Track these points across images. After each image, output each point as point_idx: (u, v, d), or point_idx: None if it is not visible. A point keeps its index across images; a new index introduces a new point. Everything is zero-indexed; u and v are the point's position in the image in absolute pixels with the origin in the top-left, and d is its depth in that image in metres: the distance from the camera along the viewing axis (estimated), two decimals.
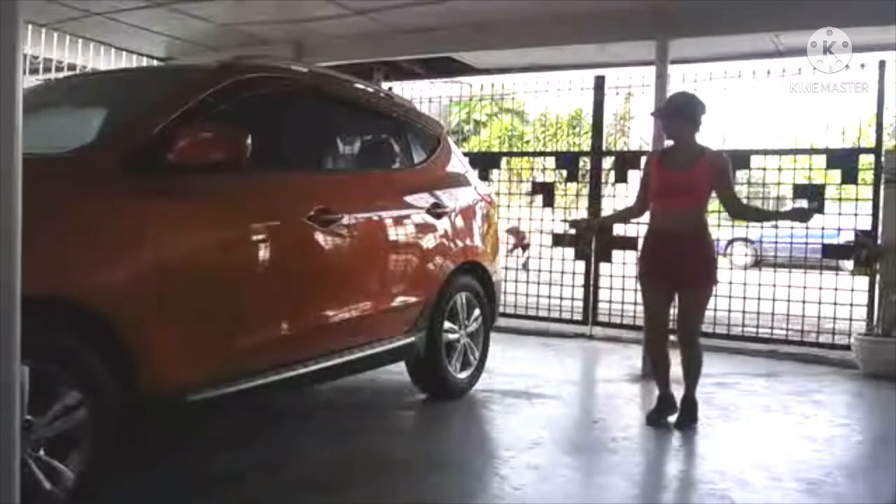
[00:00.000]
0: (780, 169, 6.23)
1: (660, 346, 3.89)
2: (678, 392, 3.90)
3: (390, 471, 3.11)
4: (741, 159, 6.12)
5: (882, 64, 5.61)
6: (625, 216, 4.36)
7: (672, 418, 3.85)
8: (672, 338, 3.90)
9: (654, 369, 4.00)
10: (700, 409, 3.88)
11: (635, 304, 6.35)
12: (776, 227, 6.61)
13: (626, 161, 6.72)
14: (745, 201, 4.86)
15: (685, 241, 3.68)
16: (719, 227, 6.80)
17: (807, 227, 5.91)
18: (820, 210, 5.62)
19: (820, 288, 5.85)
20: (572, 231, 6.38)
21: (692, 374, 3.84)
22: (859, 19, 4.87)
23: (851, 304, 5.74)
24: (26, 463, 2.09)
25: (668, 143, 4.02)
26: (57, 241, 2.26)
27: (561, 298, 6.95)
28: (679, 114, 3.77)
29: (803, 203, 5.26)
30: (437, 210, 4.10)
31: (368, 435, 3.61)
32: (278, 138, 3.39)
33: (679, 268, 3.67)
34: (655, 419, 3.84)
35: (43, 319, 2.15)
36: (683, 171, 3.71)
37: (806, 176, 6.26)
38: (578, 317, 6.80)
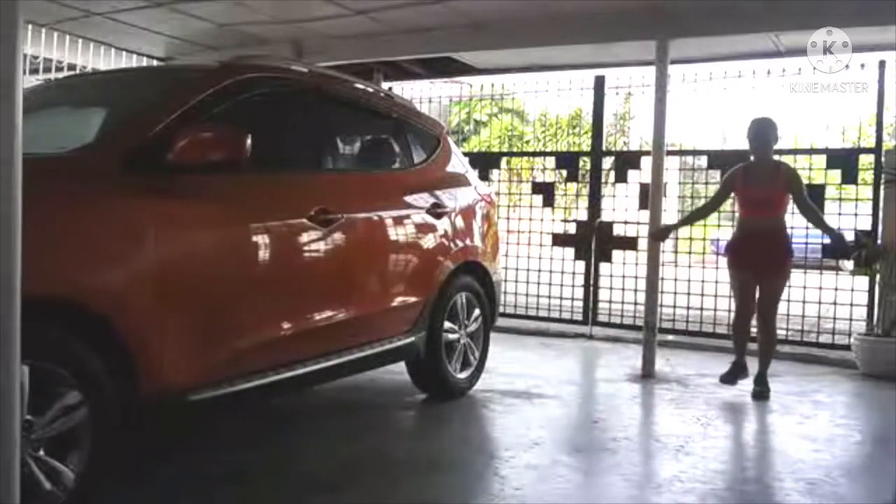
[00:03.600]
0: None
1: (744, 322, 4.68)
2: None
3: (390, 471, 3.11)
4: (741, 159, 6.11)
5: (882, 64, 5.61)
6: (700, 216, 5.16)
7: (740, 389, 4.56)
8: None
9: (736, 340, 4.77)
10: (700, 410, 3.88)
11: (635, 304, 6.36)
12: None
13: (626, 161, 6.72)
14: None
15: (767, 241, 4.47)
16: (719, 227, 6.82)
17: (807, 227, 5.93)
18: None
19: (820, 288, 5.86)
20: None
21: (767, 352, 4.64)
22: (859, 19, 4.87)
23: (851, 304, 5.75)
24: (26, 463, 2.09)
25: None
26: (57, 241, 2.26)
27: (561, 298, 6.95)
28: (766, 137, 4.54)
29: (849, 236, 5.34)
30: (437, 210, 4.10)
31: (369, 435, 3.61)
32: (278, 138, 3.39)
33: (762, 260, 4.47)
34: (730, 379, 4.64)
35: (43, 319, 2.15)
36: (766, 187, 4.50)
37: (806, 176, 6.25)
38: (578, 317, 6.80)
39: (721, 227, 7.07)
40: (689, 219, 5.35)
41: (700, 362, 5.56)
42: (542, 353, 5.84)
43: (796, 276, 5.97)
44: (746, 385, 4.82)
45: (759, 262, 4.48)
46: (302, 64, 4.06)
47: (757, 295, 4.59)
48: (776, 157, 4.72)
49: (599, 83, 6.76)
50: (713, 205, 4.92)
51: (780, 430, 3.90)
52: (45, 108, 3.33)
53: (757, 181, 4.53)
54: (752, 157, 4.68)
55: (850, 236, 5.83)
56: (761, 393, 4.52)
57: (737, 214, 4.79)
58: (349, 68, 5.65)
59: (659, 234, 5.22)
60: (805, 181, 6.19)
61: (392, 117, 4.22)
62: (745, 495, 2.91)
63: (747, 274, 4.56)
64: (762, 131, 4.56)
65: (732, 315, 4.91)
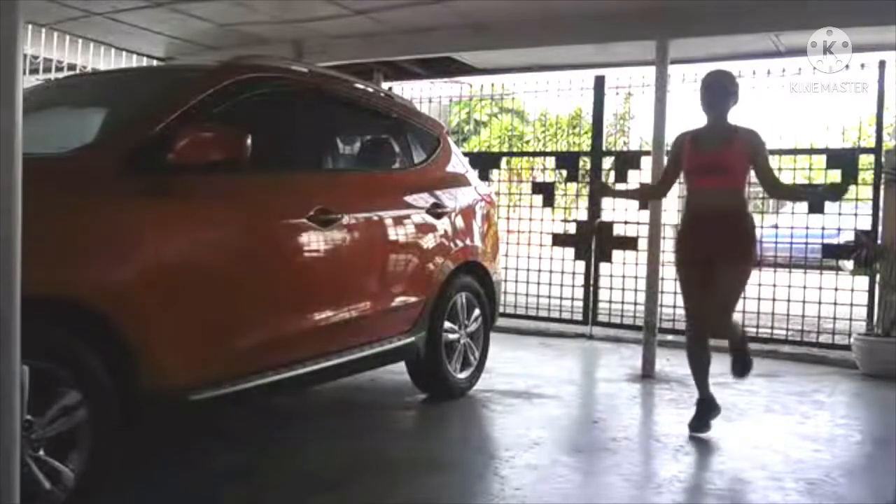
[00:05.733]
0: (780, 169, 6.21)
1: (701, 340, 3.67)
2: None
3: (390, 470, 3.11)
4: None
5: (882, 64, 5.62)
6: (644, 194, 4.48)
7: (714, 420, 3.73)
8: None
9: (694, 366, 3.72)
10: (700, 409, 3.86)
11: (635, 304, 6.36)
12: (776, 227, 6.61)
13: (626, 161, 6.72)
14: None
15: (724, 220, 3.54)
16: None
17: (807, 227, 5.92)
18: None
19: (820, 288, 5.85)
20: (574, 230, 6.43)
21: (738, 340, 3.76)
22: (859, 19, 4.87)
23: (851, 304, 5.74)
24: (26, 463, 2.09)
25: (695, 125, 3.81)
26: (57, 241, 2.26)
27: (561, 298, 6.95)
28: (726, 90, 3.67)
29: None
30: (437, 210, 4.10)
31: (369, 434, 3.62)
32: (278, 138, 3.39)
33: (715, 245, 3.50)
34: (700, 425, 3.65)
35: (43, 320, 2.15)
36: (719, 151, 3.58)
37: (806, 176, 6.26)
38: (578, 317, 6.80)
39: None
40: (637, 194, 4.74)
41: None
42: (541, 353, 5.84)
43: (796, 276, 6.00)
44: (746, 385, 4.81)
45: (713, 248, 3.52)
46: (302, 64, 4.06)
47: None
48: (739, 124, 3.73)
49: (599, 83, 6.76)
50: (664, 180, 3.99)
51: (780, 430, 3.90)
52: (45, 108, 3.33)
53: (709, 144, 3.63)
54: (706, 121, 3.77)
55: (849, 236, 5.86)
56: (743, 368, 3.79)
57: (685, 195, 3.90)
58: (349, 68, 5.66)
59: (599, 188, 5.01)
60: (805, 181, 6.24)
61: (392, 117, 4.22)
62: (745, 495, 2.91)
63: (699, 271, 3.59)
64: (715, 86, 3.67)
65: (685, 336, 3.81)
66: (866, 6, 4.79)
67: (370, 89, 4.34)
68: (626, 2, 5.16)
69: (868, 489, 3.13)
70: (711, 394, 3.75)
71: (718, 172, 3.56)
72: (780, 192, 4.03)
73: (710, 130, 3.67)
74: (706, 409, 3.73)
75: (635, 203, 6.13)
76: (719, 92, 3.64)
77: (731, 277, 3.53)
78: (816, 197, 4.28)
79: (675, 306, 6.30)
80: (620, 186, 6.69)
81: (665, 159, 5.20)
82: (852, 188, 5.88)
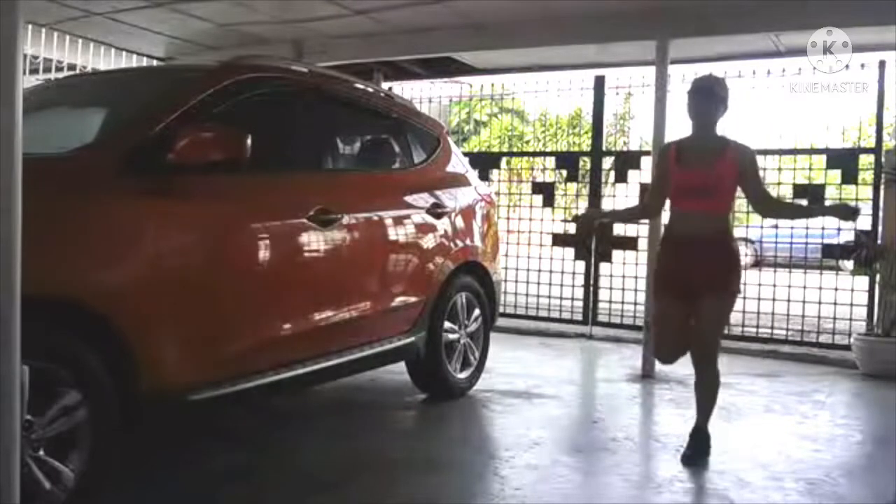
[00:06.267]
0: (780, 169, 6.23)
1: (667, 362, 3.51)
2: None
3: (390, 471, 3.11)
4: None
5: (882, 64, 5.61)
6: (635, 214, 4.00)
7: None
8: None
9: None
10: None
11: (635, 304, 6.36)
12: (776, 227, 6.61)
13: (626, 161, 6.72)
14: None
15: (707, 247, 3.21)
16: None
17: (807, 227, 5.91)
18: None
19: (820, 288, 5.85)
20: (574, 231, 6.29)
21: (707, 401, 3.37)
22: (859, 19, 4.87)
23: (851, 304, 5.74)
24: (26, 463, 2.09)
25: (682, 134, 3.49)
26: (57, 241, 2.26)
27: (561, 298, 6.95)
28: (715, 97, 3.26)
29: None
30: (437, 210, 4.10)
31: (369, 435, 3.62)
32: (278, 138, 3.39)
33: (697, 275, 3.20)
34: (696, 456, 3.29)
35: (43, 320, 2.15)
36: (707, 169, 3.20)
37: (806, 176, 6.26)
38: (578, 317, 6.80)
39: None
40: (628, 214, 4.04)
41: None
42: (542, 353, 5.84)
43: (796, 276, 6.00)
44: (747, 385, 4.82)
45: (694, 277, 3.21)
46: (302, 64, 4.06)
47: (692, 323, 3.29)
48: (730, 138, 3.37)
49: (599, 83, 6.75)
50: (654, 195, 3.54)
51: (780, 430, 3.90)
52: (45, 108, 3.33)
53: (694, 161, 3.25)
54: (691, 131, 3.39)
55: (849, 236, 5.86)
56: (694, 456, 3.27)
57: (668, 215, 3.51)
58: (349, 68, 5.66)
59: (584, 226, 4.12)
60: (805, 181, 6.25)
61: (392, 117, 4.22)
62: (745, 495, 2.90)
63: (677, 303, 3.28)
64: (704, 92, 3.27)
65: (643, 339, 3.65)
66: (866, 6, 4.79)
67: (370, 89, 4.34)
68: (626, 2, 5.16)
69: (868, 489, 3.13)
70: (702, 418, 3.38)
71: (705, 195, 3.21)
72: (775, 210, 3.65)
73: (697, 143, 3.30)
74: (700, 438, 3.35)
75: (636, 203, 6.11)
76: (708, 99, 3.26)
77: (714, 310, 3.25)
78: (826, 213, 3.68)
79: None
80: (621, 187, 6.71)
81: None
82: (852, 188, 5.90)
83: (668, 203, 3.44)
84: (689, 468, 3.20)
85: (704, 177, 3.21)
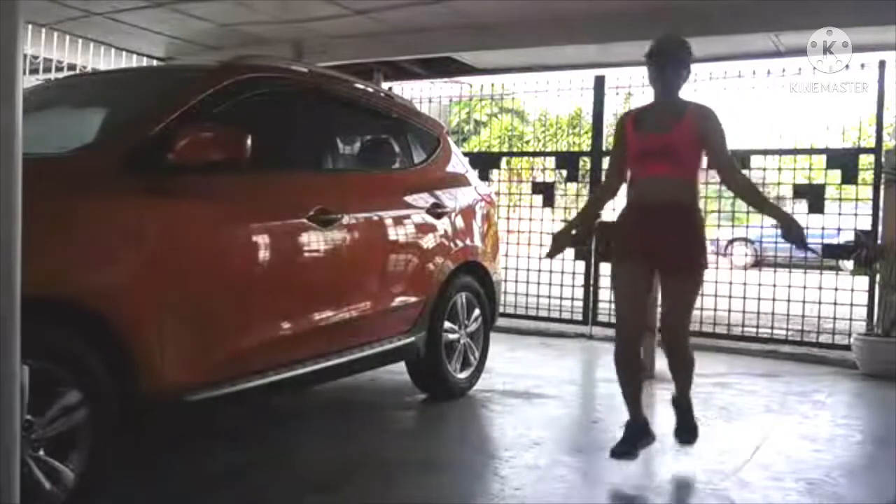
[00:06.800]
0: (780, 169, 6.24)
1: (632, 350, 3.18)
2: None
3: (390, 471, 3.11)
4: (741, 159, 6.11)
5: (882, 64, 5.61)
6: (598, 202, 3.53)
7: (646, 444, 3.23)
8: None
9: (623, 379, 3.17)
10: (700, 410, 3.82)
11: None
12: (777, 226, 6.60)
13: None
14: None
15: (670, 216, 2.97)
16: (719, 226, 6.82)
17: (806, 227, 5.91)
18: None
19: (820, 288, 5.85)
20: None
21: (683, 380, 3.26)
22: (859, 19, 4.87)
23: (851, 304, 5.74)
24: (26, 463, 2.09)
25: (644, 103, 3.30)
26: (57, 241, 2.26)
27: (561, 298, 6.95)
28: (676, 59, 3.07)
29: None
30: (437, 210, 4.10)
31: (368, 435, 3.61)
32: (278, 138, 3.39)
33: (661, 248, 2.97)
34: (625, 450, 3.09)
35: (43, 320, 2.15)
36: (666, 132, 2.98)
37: (806, 176, 6.26)
38: (578, 317, 6.80)
39: (721, 227, 7.09)
40: (593, 206, 3.67)
41: (700, 362, 5.48)
42: (542, 353, 5.84)
43: (796, 276, 6.00)
44: (747, 385, 4.81)
45: (657, 248, 2.99)
46: (302, 64, 4.06)
47: (658, 302, 3.11)
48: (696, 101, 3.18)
49: (599, 83, 6.76)
50: (611, 172, 3.32)
51: (780, 430, 3.90)
52: (45, 108, 3.33)
53: (653, 125, 3.04)
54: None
55: (849, 236, 5.86)
56: (686, 432, 3.28)
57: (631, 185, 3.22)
58: (349, 68, 5.66)
59: (556, 249, 3.37)
60: (805, 181, 6.25)
61: (392, 117, 4.22)
62: (745, 495, 2.90)
63: (637, 267, 3.06)
64: (664, 55, 3.06)
65: (614, 343, 3.22)
66: (866, 6, 4.80)
67: (370, 89, 4.34)
68: (626, 2, 5.17)
69: (868, 489, 3.13)
70: (645, 417, 3.21)
71: (665, 158, 2.97)
72: (742, 189, 3.18)
73: (657, 108, 3.11)
74: (635, 435, 3.14)
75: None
76: (669, 61, 3.04)
77: (680, 287, 3.05)
78: (780, 218, 3.09)
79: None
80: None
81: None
82: (852, 188, 5.90)
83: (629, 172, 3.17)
84: (682, 445, 3.29)
85: (662, 139, 2.98)
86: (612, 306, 3.22)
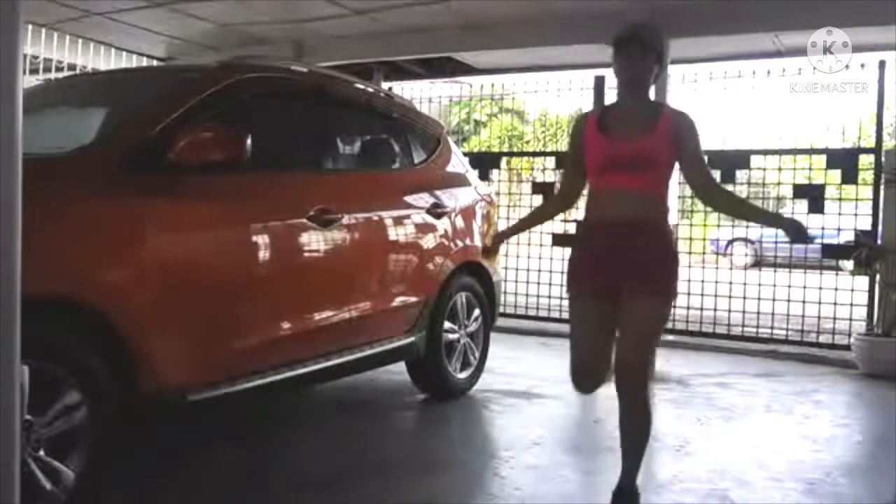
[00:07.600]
0: (780, 169, 6.24)
1: (590, 390, 2.77)
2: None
3: (390, 471, 3.11)
4: (741, 159, 6.14)
5: (882, 64, 5.61)
6: (548, 212, 3.11)
7: None
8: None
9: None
10: (700, 410, 3.83)
11: None
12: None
13: None
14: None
15: (636, 236, 2.51)
16: (719, 227, 6.82)
17: (807, 227, 5.90)
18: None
19: (820, 288, 5.85)
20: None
21: (635, 445, 2.67)
22: (859, 19, 4.87)
23: (851, 304, 5.74)
24: (26, 463, 2.09)
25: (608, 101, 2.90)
26: (57, 241, 2.26)
27: (561, 298, 6.93)
28: (646, 48, 2.52)
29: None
30: (437, 210, 4.10)
31: (368, 435, 3.61)
32: (278, 138, 3.39)
33: (623, 270, 2.50)
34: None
35: (43, 319, 2.15)
36: (636, 139, 2.50)
37: (806, 176, 6.27)
38: None
39: (721, 227, 7.08)
40: (539, 217, 3.15)
41: (700, 362, 5.56)
42: (542, 353, 5.84)
43: (796, 276, 6.00)
44: (747, 385, 4.81)
45: (620, 273, 2.50)
46: (302, 64, 4.06)
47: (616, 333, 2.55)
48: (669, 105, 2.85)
49: (599, 83, 6.74)
50: (566, 182, 2.86)
51: (780, 430, 3.90)
52: (45, 108, 3.33)
53: (621, 129, 2.54)
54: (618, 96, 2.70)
55: (849, 236, 5.86)
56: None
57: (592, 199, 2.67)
58: (349, 68, 5.66)
59: (495, 241, 3.27)
60: (805, 181, 6.25)
61: (392, 117, 4.22)
62: (745, 495, 2.90)
63: (598, 304, 2.56)
64: (632, 44, 2.52)
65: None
66: (866, 6, 4.80)
67: (370, 89, 4.34)
68: (626, 2, 5.16)
69: (868, 489, 3.13)
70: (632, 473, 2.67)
71: (634, 169, 2.50)
72: (725, 204, 2.79)
73: (624, 109, 2.61)
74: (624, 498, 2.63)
75: None
76: (638, 51, 2.51)
77: (640, 312, 2.50)
78: (772, 222, 2.84)
79: (674, 306, 6.31)
80: None
81: None
82: (852, 188, 5.90)
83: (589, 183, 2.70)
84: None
85: (633, 146, 2.50)
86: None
